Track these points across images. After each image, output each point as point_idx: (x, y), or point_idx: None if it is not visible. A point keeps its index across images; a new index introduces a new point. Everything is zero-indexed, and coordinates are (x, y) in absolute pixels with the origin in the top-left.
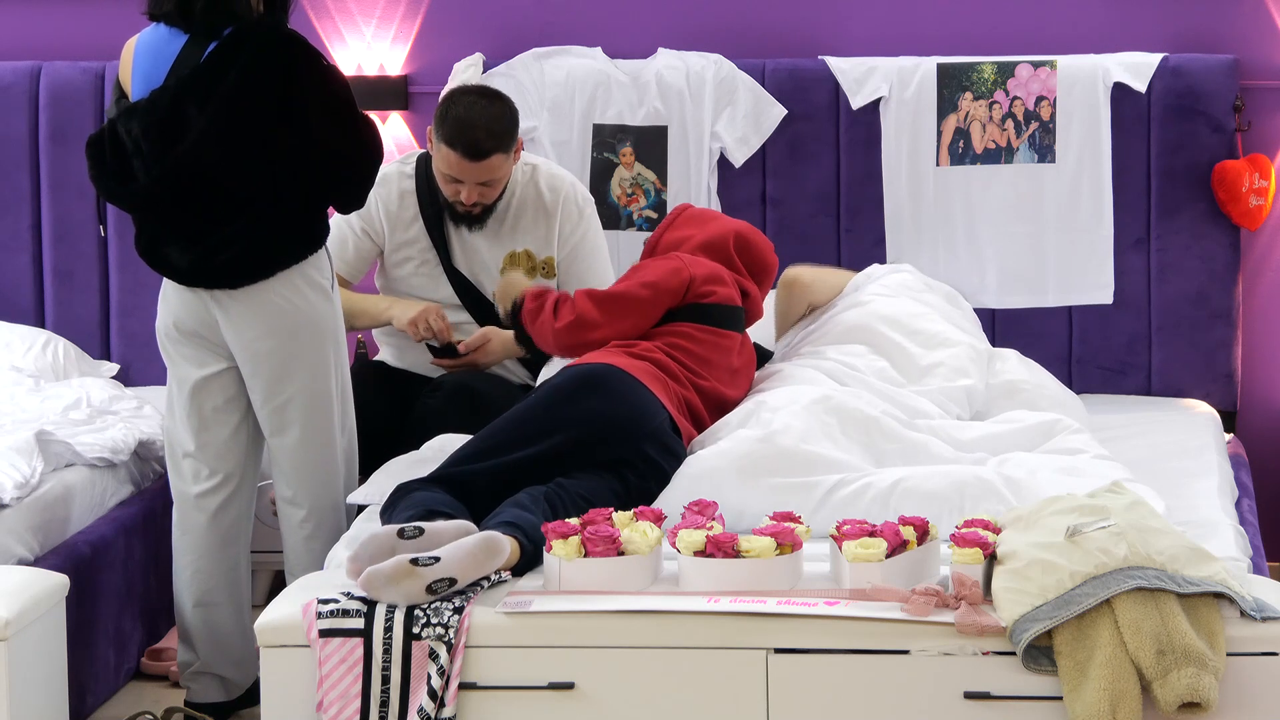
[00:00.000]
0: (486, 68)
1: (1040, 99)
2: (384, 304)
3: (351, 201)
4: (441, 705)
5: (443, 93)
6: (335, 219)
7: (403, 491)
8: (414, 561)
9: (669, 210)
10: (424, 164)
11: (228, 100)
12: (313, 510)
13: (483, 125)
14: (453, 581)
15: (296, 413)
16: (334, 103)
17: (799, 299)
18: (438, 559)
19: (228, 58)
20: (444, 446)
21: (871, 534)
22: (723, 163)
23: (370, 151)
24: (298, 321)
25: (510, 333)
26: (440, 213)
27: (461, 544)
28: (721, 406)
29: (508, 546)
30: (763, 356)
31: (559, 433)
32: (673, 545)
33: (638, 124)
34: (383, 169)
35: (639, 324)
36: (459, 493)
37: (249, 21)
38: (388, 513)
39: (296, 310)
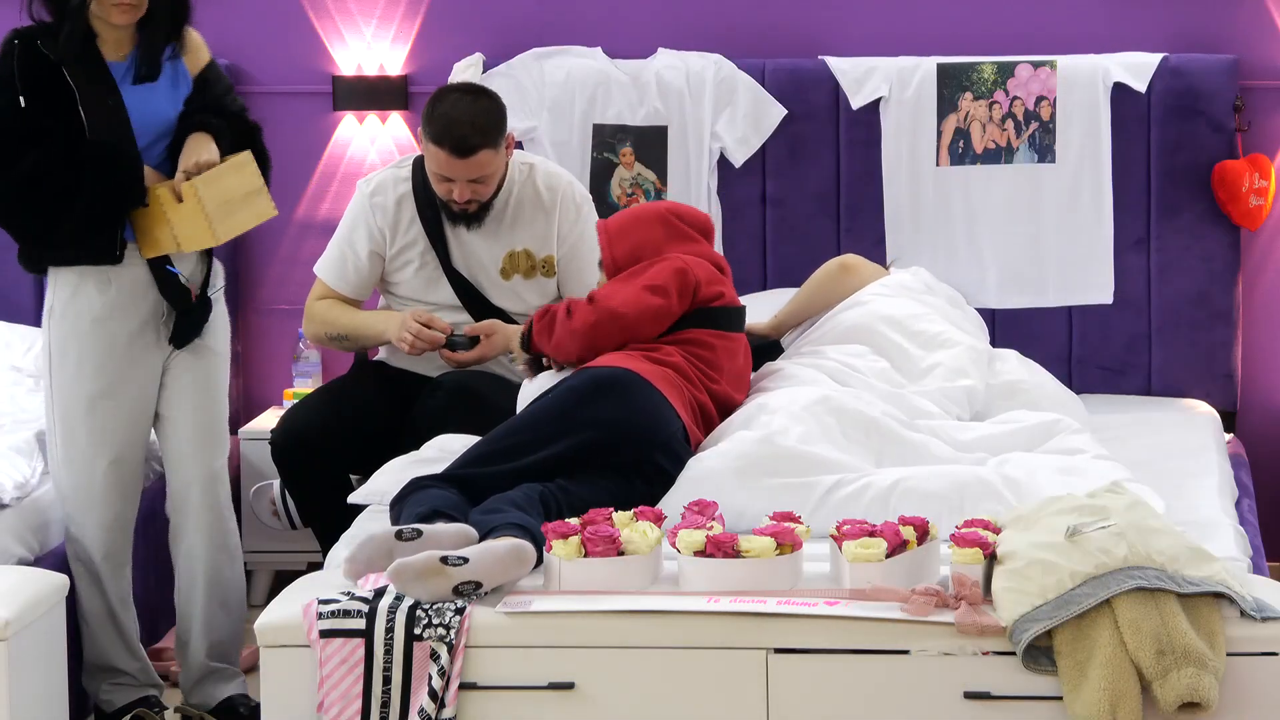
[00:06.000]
0: (486, 68)
1: (1040, 99)
2: (379, 325)
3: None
4: (442, 706)
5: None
6: (332, 241)
7: (414, 487)
8: (444, 560)
9: None
10: (419, 165)
11: None
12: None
13: (468, 121)
14: (478, 585)
15: None
16: None
17: (850, 286)
18: (466, 560)
19: None
20: (444, 446)
21: (871, 534)
22: (723, 163)
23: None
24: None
25: (515, 326)
26: (438, 213)
27: (492, 549)
28: (729, 410)
29: (533, 557)
30: (767, 350)
31: (573, 435)
32: (673, 545)
33: (638, 124)
34: (377, 175)
35: (660, 328)
36: (471, 493)
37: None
38: (397, 506)
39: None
